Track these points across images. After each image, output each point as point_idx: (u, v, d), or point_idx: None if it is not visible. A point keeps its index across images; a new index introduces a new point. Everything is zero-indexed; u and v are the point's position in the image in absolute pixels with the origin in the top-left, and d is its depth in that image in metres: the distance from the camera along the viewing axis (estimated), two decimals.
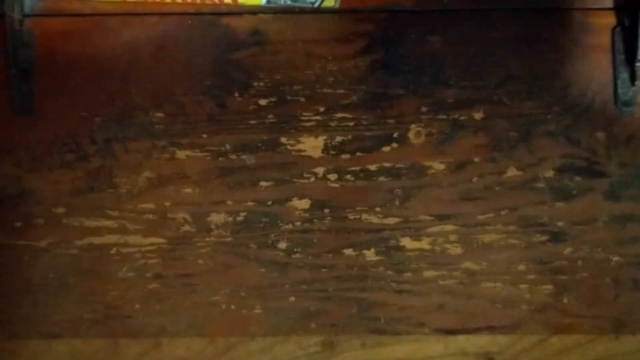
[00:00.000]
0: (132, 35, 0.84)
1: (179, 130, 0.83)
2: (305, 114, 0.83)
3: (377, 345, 0.81)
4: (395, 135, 0.83)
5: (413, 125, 0.83)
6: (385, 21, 0.84)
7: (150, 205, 0.82)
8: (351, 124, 0.83)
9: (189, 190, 0.82)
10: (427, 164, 0.82)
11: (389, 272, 0.81)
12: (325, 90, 0.83)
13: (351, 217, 0.82)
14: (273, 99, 0.83)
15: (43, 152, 0.82)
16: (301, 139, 0.83)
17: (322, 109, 0.83)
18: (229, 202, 0.82)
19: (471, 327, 0.81)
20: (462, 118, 0.83)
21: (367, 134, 0.83)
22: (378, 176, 0.82)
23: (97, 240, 0.82)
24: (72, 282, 0.81)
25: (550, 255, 0.81)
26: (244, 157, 0.83)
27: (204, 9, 0.84)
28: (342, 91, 0.83)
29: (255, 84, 0.83)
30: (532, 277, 0.81)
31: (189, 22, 0.84)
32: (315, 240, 0.82)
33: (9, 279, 0.81)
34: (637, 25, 0.80)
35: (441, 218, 0.82)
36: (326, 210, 0.82)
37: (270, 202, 0.82)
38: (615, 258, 0.81)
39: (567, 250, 0.81)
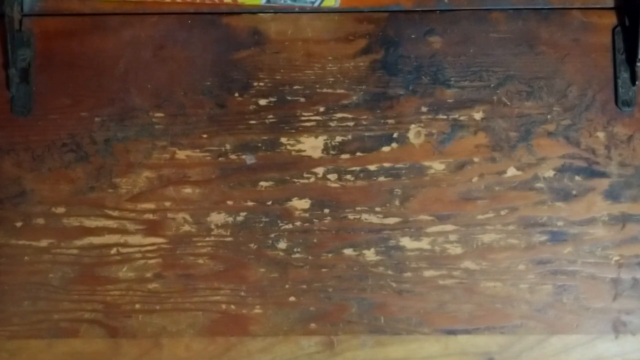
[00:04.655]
0: (132, 35, 0.84)
1: (179, 130, 0.83)
2: (305, 114, 0.83)
3: (377, 345, 0.81)
4: (395, 135, 0.83)
5: (413, 125, 0.83)
6: (385, 21, 0.84)
7: (150, 205, 0.82)
8: (351, 124, 0.83)
9: (189, 190, 0.82)
10: (427, 164, 0.82)
11: (389, 272, 0.81)
12: (325, 90, 0.83)
13: (351, 217, 0.82)
14: (273, 99, 0.83)
15: (43, 152, 0.82)
16: (301, 139, 0.83)
17: (322, 109, 0.83)
18: (229, 202, 0.82)
19: (471, 327, 0.81)
20: (462, 118, 0.83)
21: (367, 134, 0.83)
22: (378, 176, 0.82)
23: (97, 240, 0.82)
24: (72, 282, 0.81)
25: (550, 255, 0.81)
26: (244, 157, 0.83)
27: (204, 9, 0.84)
28: (342, 91, 0.83)
29: (255, 84, 0.83)
30: (532, 277, 0.81)
31: (189, 22, 0.84)
32: (315, 240, 0.82)
33: (9, 279, 0.81)
34: (638, 25, 0.80)
35: (441, 218, 0.82)
36: (326, 210, 0.82)
37: (270, 202, 0.82)
38: (615, 258, 0.81)
39: (567, 250, 0.81)
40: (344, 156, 0.82)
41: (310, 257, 0.81)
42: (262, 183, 0.82)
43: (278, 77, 0.83)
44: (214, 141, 0.83)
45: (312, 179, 0.82)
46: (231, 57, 0.84)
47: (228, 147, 0.83)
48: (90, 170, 0.82)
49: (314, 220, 0.82)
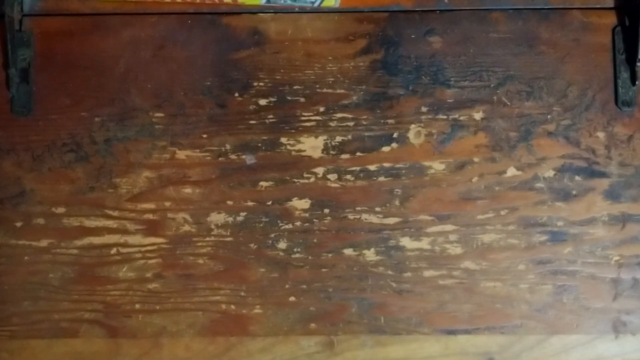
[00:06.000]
0: (132, 35, 0.84)
1: (179, 130, 0.83)
2: (305, 114, 0.83)
3: (377, 345, 0.81)
4: (395, 135, 0.83)
5: (413, 125, 0.83)
6: (385, 21, 0.84)
7: (150, 205, 0.82)
8: (351, 124, 0.83)
9: (189, 190, 0.82)
10: (427, 164, 0.82)
11: (389, 272, 0.81)
12: (325, 90, 0.83)
13: (351, 217, 0.82)
14: (273, 99, 0.83)
15: (43, 152, 0.82)
16: (301, 139, 0.83)
17: (322, 109, 0.83)
18: (229, 202, 0.82)
19: (471, 327, 0.81)
20: (462, 118, 0.83)
21: (367, 134, 0.83)
22: (378, 176, 0.82)
23: (97, 240, 0.82)
24: (72, 282, 0.81)
25: (550, 255, 0.81)
26: (244, 157, 0.83)
27: (204, 9, 0.84)
28: (342, 91, 0.83)
29: (255, 84, 0.83)
30: (532, 277, 0.81)
31: (189, 22, 0.84)
32: (315, 240, 0.82)
33: (9, 279, 0.81)
34: (638, 25, 0.80)
35: (441, 218, 0.82)
36: (326, 210, 0.82)
37: (270, 202, 0.82)
38: (615, 258, 0.81)
39: (567, 250, 0.81)
40: (344, 156, 0.82)
41: (310, 257, 0.81)
42: (262, 183, 0.82)
43: (278, 77, 0.83)
44: (214, 141, 0.83)
45: (312, 179, 0.82)
46: (231, 57, 0.84)
47: (228, 147, 0.83)
48: (90, 170, 0.82)
49: (314, 220, 0.82)
